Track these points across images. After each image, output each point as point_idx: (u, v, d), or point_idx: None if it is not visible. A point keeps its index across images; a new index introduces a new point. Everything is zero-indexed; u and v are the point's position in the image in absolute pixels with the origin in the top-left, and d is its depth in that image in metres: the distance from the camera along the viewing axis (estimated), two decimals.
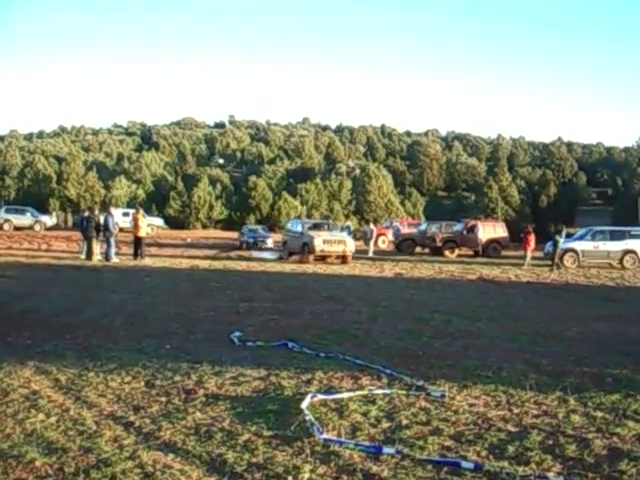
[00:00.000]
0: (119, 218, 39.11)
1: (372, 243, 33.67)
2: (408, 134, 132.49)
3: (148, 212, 52.47)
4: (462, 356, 7.86)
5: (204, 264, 23.30)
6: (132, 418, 5.10)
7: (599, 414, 5.38)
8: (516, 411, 5.44)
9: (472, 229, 33.73)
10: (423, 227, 37.12)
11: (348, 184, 79.48)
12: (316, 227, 28.49)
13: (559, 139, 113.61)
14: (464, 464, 4.17)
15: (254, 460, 4.25)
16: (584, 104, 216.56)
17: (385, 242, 40.87)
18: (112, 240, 23.19)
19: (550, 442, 4.68)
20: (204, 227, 69.35)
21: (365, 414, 5.29)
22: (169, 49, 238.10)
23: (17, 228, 44.29)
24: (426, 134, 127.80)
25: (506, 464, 4.20)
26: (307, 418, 4.99)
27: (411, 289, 16.85)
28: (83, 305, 11.86)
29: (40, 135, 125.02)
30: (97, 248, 23.60)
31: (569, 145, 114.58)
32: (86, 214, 25.40)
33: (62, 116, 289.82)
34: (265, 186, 75.15)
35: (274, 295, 14.27)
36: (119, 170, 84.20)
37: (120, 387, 6.07)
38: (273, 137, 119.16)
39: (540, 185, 79.75)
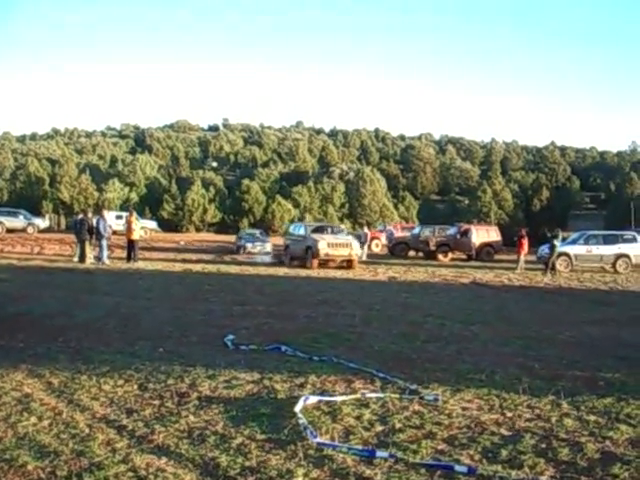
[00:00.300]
0: (112, 221, 39.08)
1: (366, 247, 33.69)
2: (402, 138, 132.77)
3: (141, 215, 52.49)
4: (455, 360, 7.87)
5: (197, 267, 23.27)
6: (125, 421, 5.09)
7: (592, 418, 5.39)
8: (509, 415, 5.45)
9: (465, 233, 33.82)
10: (417, 231, 37.20)
11: (341, 187, 79.54)
12: (320, 230, 27.72)
13: (552, 143, 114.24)
14: (457, 468, 4.17)
15: (247, 464, 4.24)
16: (577, 108, 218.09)
17: (379, 246, 40.92)
18: (104, 243, 23.14)
19: (543, 446, 4.69)
20: (197, 230, 69.29)
21: (358, 418, 5.29)
22: (163, 52, 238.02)
23: (10, 230, 44.08)
24: (420, 138, 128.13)
25: (499, 468, 4.21)
26: (300, 422, 4.99)
27: (405, 293, 16.86)
28: (76, 308, 11.82)
29: (33, 137, 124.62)
30: (91, 251, 23.57)
31: (562, 149, 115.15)
32: (80, 217, 25.36)
33: (55, 118, 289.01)
34: (258, 189, 75.13)
35: (268, 298, 14.25)
36: (112, 173, 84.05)
37: (113, 390, 6.05)
38: (267, 140, 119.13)
39: (533, 189, 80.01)
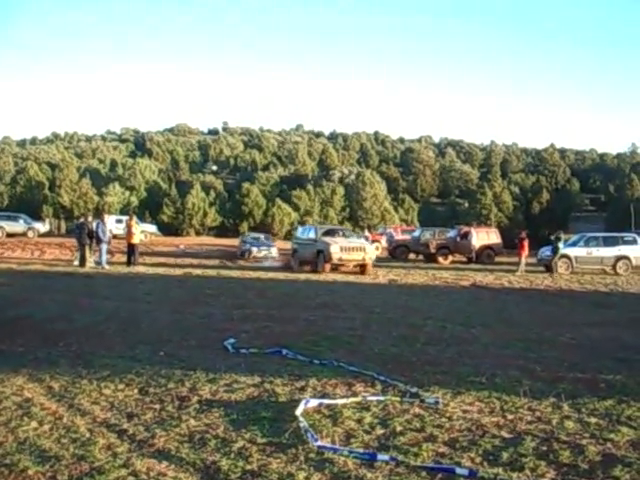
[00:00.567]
0: (113, 225, 39.12)
1: None
2: (401, 141, 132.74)
3: (141, 219, 52.45)
4: (456, 362, 7.87)
5: (197, 271, 23.26)
6: (126, 425, 5.08)
7: (593, 420, 5.39)
8: (510, 417, 5.45)
9: (465, 236, 33.84)
10: (417, 234, 37.21)
11: (341, 190, 79.55)
12: (331, 233, 26.26)
13: (552, 145, 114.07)
14: (458, 470, 4.17)
15: (248, 467, 4.24)
16: (577, 111, 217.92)
17: (379, 249, 40.89)
18: (104, 247, 23.16)
19: (544, 448, 4.68)
20: (197, 234, 69.20)
21: (359, 421, 5.29)
22: (162, 56, 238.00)
23: (10, 235, 44.08)
24: (419, 141, 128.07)
25: (500, 470, 4.21)
26: (301, 425, 4.99)
27: (405, 295, 16.86)
28: (76, 312, 11.81)
29: (33, 141, 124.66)
30: (91, 255, 23.58)
31: (562, 151, 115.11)
32: (80, 221, 25.39)
33: (55, 122, 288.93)
34: (258, 193, 75.10)
35: (268, 302, 14.25)
36: (112, 177, 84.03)
37: (114, 394, 6.05)
38: (266, 144, 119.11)
39: (533, 191, 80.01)
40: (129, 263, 24.09)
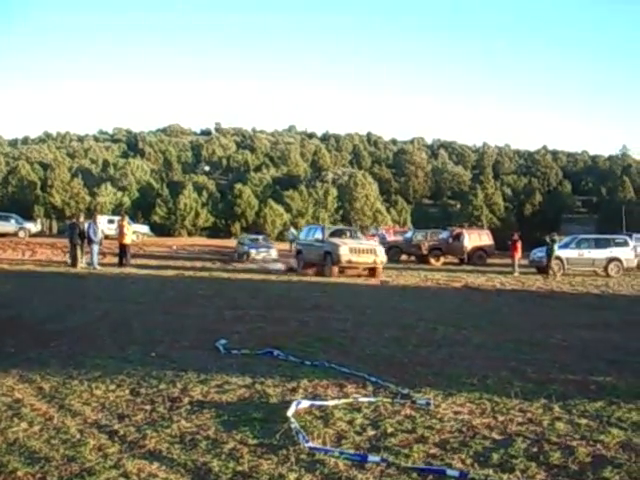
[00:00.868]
0: (105, 225, 39.05)
1: None
2: (394, 142, 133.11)
3: (134, 219, 52.36)
4: (447, 364, 7.87)
5: (189, 272, 23.21)
6: (116, 426, 5.06)
7: (583, 421, 5.40)
8: (501, 419, 5.45)
9: (458, 237, 33.94)
10: (409, 235, 37.27)
11: (334, 191, 79.61)
12: (338, 234, 24.76)
13: (544, 147, 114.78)
14: (449, 472, 4.17)
15: (239, 468, 4.23)
16: (569, 113, 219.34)
17: None
18: (95, 248, 23.09)
19: (535, 449, 4.69)
20: (190, 234, 69.14)
21: (350, 422, 5.28)
22: (155, 56, 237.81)
23: (1, 235, 43.94)
24: (412, 142, 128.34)
25: (491, 472, 4.21)
26: (292, 426, 4.98)
27: (397, 297, 16.89)
28: (67, 313, 11.77)
29: (25, 141, 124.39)
30: (83, 256, 23.51)
31: (554, 153, 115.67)
32: (72, 221, 25.33)
33: (47, 122, 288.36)
34: (251, 193, 75.15)
35: (260, 303, 14.22)
36: (105, 177, 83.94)
37: (104, 395, 6.03)
38: (259, 144, 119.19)
39: (525, 193, 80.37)
40: (121, 264, 24.02)
